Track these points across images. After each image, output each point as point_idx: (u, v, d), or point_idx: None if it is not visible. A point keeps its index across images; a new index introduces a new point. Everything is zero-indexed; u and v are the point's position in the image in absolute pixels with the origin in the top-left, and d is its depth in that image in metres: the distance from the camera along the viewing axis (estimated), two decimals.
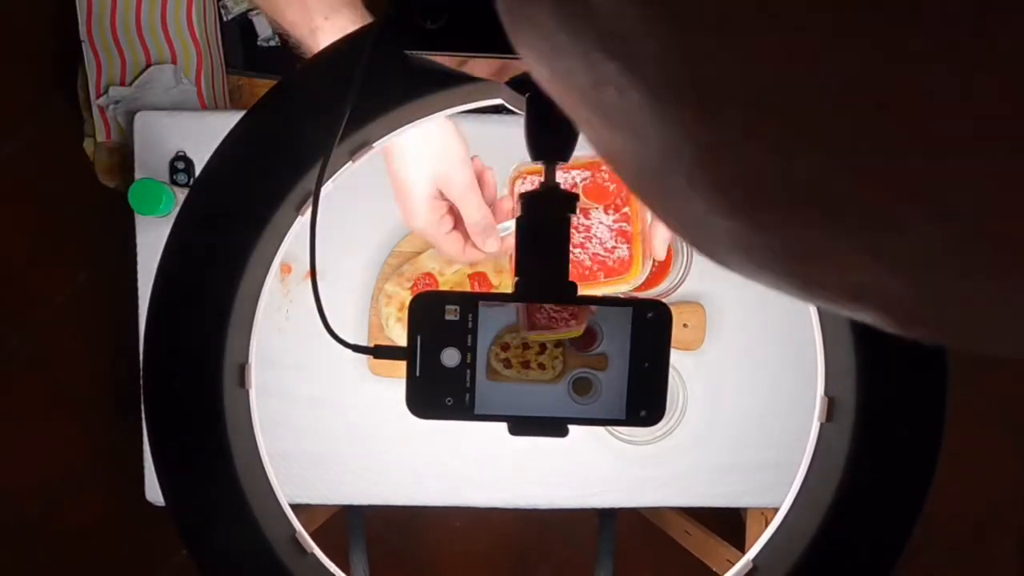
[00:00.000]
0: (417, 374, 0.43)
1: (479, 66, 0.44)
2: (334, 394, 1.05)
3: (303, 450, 1.04)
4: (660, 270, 1.04)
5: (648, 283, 1.03)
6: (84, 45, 1.22)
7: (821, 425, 0.50)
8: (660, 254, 0.87)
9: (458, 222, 0.78)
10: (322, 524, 1.26)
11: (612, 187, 0.91)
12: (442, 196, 0.75)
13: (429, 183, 0.74)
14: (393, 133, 0.50)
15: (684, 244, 1.01)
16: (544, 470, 1.07)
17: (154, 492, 1.05)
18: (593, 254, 0.93)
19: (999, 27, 0.10)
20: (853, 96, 0.12)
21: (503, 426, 0.45)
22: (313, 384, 1.04)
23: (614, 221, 0.92)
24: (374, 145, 0.51)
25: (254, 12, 1.30)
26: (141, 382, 0.48)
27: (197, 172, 1.02)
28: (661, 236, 0.86)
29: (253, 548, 0.48)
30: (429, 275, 1.01)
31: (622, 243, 0.93)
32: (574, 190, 0.92)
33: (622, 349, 0.43)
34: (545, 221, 0.44)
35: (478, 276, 1.01)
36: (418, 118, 0.50)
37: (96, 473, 1.71)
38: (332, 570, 0.51)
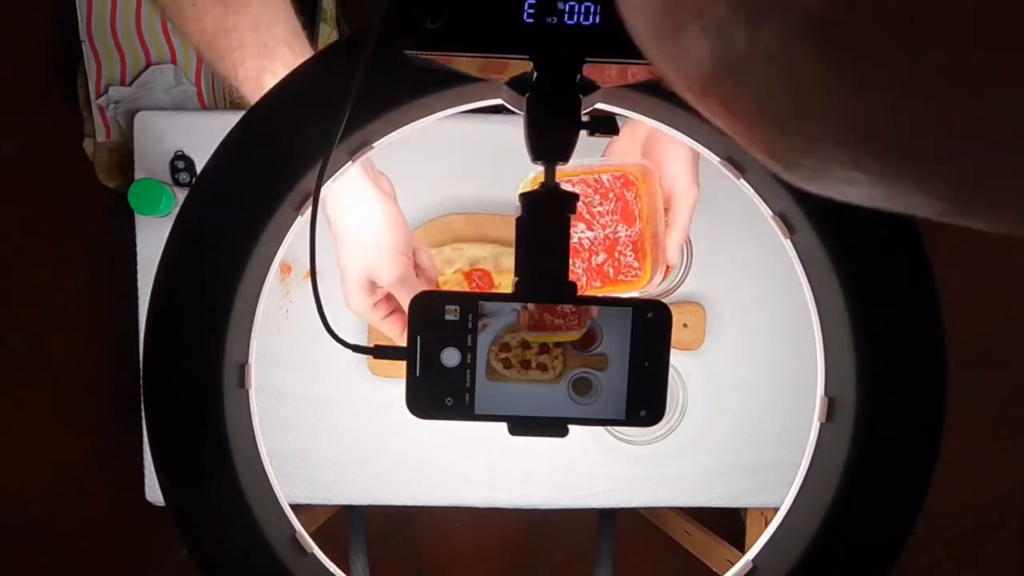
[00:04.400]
0: (417, 374, 0.43)
1: (479, 66, 0.44)
2: (334, 394, 1.05)
3: (303, 450, 1.04)
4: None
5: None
6: (84, 45, 1.22)
7: (821, 425, 0.50)
8: (674, 259, 0.88)
9: (397, 307, 0.79)
10: (322, 524, 1.26)
11: (630, 196, 0.91)
12: (375, 285, 0.77)
13: (361, 274, 0.75)
14: (393, 133, 0.50)
15: (685, 245, 1.01)
16: (544, 470, 1.07)
17: (154, 492, 1.05)
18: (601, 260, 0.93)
19: None
20: None
21: (503, 426, 0.45)
22: (313, 384, 1.04)
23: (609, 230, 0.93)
24: (374, 145, 0.51)
25: None
26: (141, 382, 0.48)
27: (198, 171, 1.02)
28: (675, 241, 0.87)
29: (253, 548, 0.48)
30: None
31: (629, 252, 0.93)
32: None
33: (622, 349, 0.43)
34: (545, 221, 0.44)
35: (479, 273, 1.01)
36: (418, 118, 0.50)
37: (96, 473, 1.71)
38: (332, 570, 0.51)
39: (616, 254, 0.92)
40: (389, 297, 0.78)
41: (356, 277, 0.75)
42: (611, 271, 0.92)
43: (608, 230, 0.92)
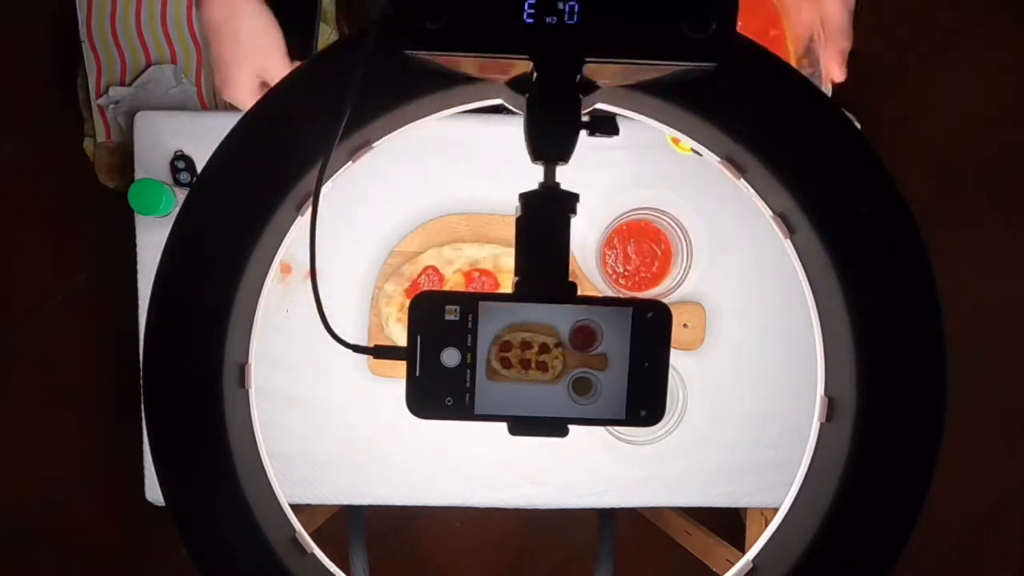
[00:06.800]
0: (417, 374, 0.43)
1: (479, 66, 0.44)
2: (334, 394, 1.05)
3: (303, 450, 1.04)
4: (660, 270, 1.04)
5: (648, 283, 1.04)
6: (84, 45, 1.22)
7: (821, 425, 0.50)
8: (838, 75, 0.81)
9: None
10: (322, 524, 1.26)
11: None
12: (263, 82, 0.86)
13: (251, 74, 0.83)
14: (393, 134, 0.50)
15: (683, 245, 1.01)
16: (544, 470, 1.07)
17: (154, 492, 1.05)
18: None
19: None
20: None
21: (503, 426, 0.45)
22: (313, 384, 1.04)
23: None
24: (374, 145, 0.51)
25: None
26: (141, 382, 0.48)
27: (198, 171, 1.02)
28: (834, 55, 0.80)
29: (253, 548, 0.48)
30: (432, 268, 1.01)
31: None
32: None
33: (622, 349, 0.43)
34: (545, 221, 0.44)
35: (482, 272, 1.01)
36: (418, 118, 0.50)
37: (96, 473, 1.71)
38: (332, 570, 0.51)
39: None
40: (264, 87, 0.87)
41: (246, 77, 0.84)
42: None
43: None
